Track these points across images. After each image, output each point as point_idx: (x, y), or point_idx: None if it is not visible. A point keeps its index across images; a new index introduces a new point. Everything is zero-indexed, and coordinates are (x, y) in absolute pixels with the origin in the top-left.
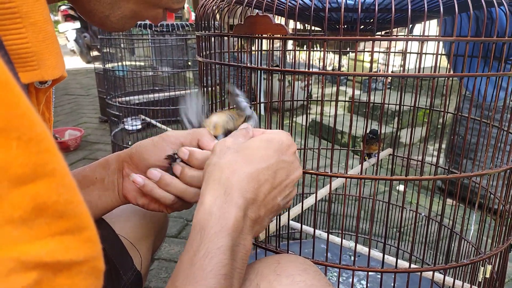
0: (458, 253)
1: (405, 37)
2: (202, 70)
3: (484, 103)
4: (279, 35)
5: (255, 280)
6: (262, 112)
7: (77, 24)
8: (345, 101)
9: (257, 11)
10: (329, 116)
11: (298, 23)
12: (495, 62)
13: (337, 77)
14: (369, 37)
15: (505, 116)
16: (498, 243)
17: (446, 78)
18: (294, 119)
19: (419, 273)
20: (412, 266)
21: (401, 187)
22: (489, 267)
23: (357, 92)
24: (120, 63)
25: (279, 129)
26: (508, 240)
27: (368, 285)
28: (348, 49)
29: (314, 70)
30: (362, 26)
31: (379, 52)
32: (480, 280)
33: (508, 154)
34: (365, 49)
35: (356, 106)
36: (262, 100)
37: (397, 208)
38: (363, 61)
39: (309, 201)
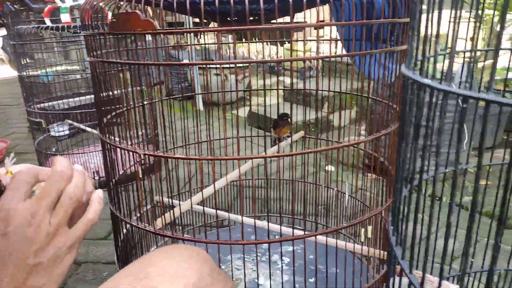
0: (341, 215)
1: (290, 25)
2: (94, 71)
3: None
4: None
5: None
6: (201, 106)
7: (3, 31)
8: (277, 89)
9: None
10: (270, 105)
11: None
12: (380, 44)
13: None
14: (280, 25)
15: (386, 91)
16: (377, 205)
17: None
18: (233, 112)
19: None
20: (299, 233)
21: (328, 168)
22: (369, 228)
23: (293, 80)
24: (43, 70)
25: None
26: (387, 202)
27: (278, 256)
28: (284, 39)
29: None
30: (251, 18)
31: (309, 40)
32: (362, 241)
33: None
34: (298, 39)
35: (290, 94)
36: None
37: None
38: (301, 50)
39: (217, 185)
